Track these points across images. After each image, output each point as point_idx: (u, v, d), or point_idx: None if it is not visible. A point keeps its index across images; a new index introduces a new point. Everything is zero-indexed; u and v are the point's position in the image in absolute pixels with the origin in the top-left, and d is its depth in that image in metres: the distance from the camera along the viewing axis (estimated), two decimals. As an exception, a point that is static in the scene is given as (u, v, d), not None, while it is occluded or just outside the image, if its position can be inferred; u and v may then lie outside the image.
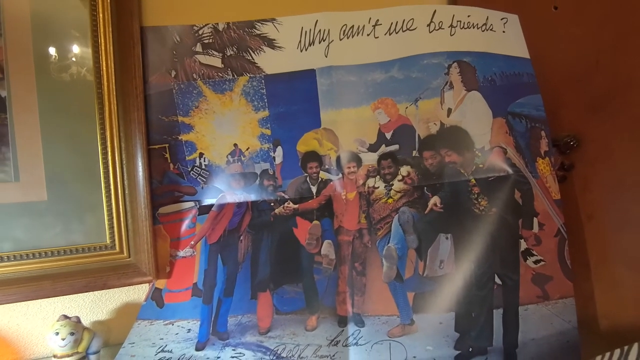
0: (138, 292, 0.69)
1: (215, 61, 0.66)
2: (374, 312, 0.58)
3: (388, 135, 0.64)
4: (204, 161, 0.67)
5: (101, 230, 0.63)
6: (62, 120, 0.61)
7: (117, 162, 0.63)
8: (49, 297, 0.60)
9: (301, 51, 0.66)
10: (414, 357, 0.55)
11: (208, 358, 0.57)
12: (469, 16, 0.67)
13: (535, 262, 0.59)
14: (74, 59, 0.61)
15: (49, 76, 0.60)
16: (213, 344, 0.58)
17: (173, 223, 0.68)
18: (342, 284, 0.59)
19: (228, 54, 0.66)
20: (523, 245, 0.59)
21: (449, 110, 0.63)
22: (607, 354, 0.48)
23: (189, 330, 0.60)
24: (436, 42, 0.65)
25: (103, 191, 0.63)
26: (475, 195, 0.60)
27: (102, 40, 0.62)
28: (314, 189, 0.65)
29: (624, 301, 0.63)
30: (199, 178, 0.67)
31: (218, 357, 0.57)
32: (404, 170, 0.63)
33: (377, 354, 0.55)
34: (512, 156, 0.61)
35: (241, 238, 0.64)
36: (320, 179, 0.65)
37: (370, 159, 0.64)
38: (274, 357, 0.56)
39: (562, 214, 0.62)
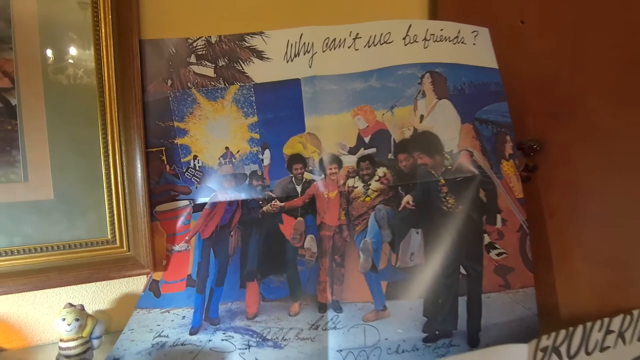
0: (137, 284, 0.74)
1: (208, 71, 0.72)
2: (351, 299, 0.64)
3: (366, 140, 0.70)
4: (198, 163, 0.73)
5: (103, 226, 0.68)
6: (67, 126, 0.66)
7: (117, 164, 0.69)
8: (55, 287, 0.66)
9: (287, 62, 0.72)
10: (386, 339, 0.61)
11: (201, 341, 0.62)
12: (441, 30, 0.73)
13: (498, 254, 0.65)
14: (79, 72, 0.67)
15: (55, 86, 0.65)
16: (205, 329, 0.64)
17: (169, 220, 0.73)
18: (322, 275, 0.65)
19: (220, 65, 0.72)
20: (486, 239, 0.65)
21: (422, 117, 0.69)
22: (553, 334, 0.53)
23: (184, 317, 0.66)
24: (411, 54, 0.71)
25: (105, 191, 0.68)
26: (444, 194, 0.66)
27: (104, 53, 0.67)
28: (298, 189, 0.71)
29: (581, 291, 0.70)
30: (193, 178, 0.73)
31: (210, 340, 0.62)
32: (381, 171, 0.69)
33: (353, 337, 0.61)
34: (478, 159, 0.67)
35: (232, 233, 0.69)
36: (304, 179, 0.71)
37: (350, 161, 0.70)
38: (260, 339, 0.61)
39: (524, 212, 0.68)
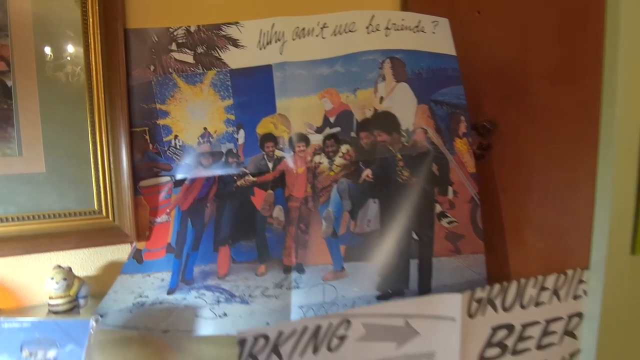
0: (122, 252, 0.81)
1: (188, 58, 0.79)
2: (313, 262, 0.70)
3: (332, 120, 0.76)
4: (179, 142, 0.79)
5: (90, 198, 0.75)
6: (58, 107, 0.73)
7: (103, 142, 0.75)
8: (46, 252, 0.73)
9: (260, 49, 0.78)
10: (343, 296, 0.67)
11: (177, 300, 0.69)
12: (403, 20, 0.79)
13: (449, 222, 0.71)
14: (68, 57, 0.74)
15: (47, 70, 0.72)
16: (181, 289, 0.70)
17: (152, 195, 0.80)
18: (289, 241, 0.71)
19: (199, 52, 0.79)
20: (438, 208, 0.71)
21: (381, 99, 0.75)
22: (488, 287, 0.59)
23: (163, 279, 0.72)
24: (373, 42, 0.77)
25: (92, 166, 0.75)
26: (400, 168, 0.72)
27: (92, 41, 0.74)
28: (270, 165, 0.77)
29: (529, 258, 0.75)
30: (174, 156, 0.79)
31: (184, 299, 0.69)
32: (344, 148, 0.75)
33: (313, 295, 0.67)
34: (432, 136, 0.73)
35: (208, 205, 0.76)
36: (275, 156, 0.77)
37: (317, 139, 0.76)
38: (229, 296, 0.68)
39: (476, 185, 0.74)
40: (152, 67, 0.78)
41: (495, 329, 0.60)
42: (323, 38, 0.78)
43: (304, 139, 0.76)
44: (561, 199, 0.70)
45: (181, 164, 0.79)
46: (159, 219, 0.79)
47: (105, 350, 0.62)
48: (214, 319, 0.65)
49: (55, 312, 0.67)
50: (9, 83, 0.70)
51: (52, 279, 0.67)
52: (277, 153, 0.77)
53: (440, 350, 0.57)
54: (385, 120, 0.74)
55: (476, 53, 0.83)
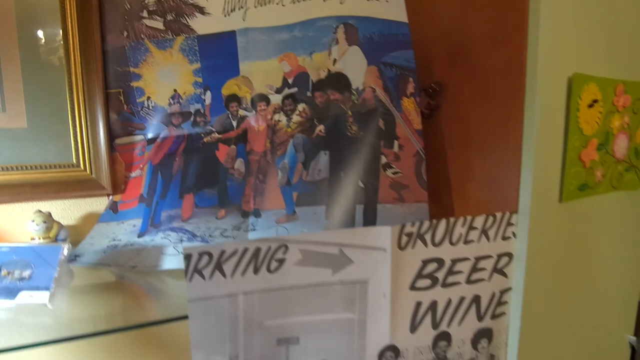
0: (99, 205, 0.88)
1: (158, 24, 0.85)
2: (268, 207, 0.77)
3: (290, 81, 0.83)
4: (151, 103, 0.86)
5: (69, 152, 0.82)
6: (38, 69, 0.80)
7: (80, 101, 0.82)
8: (29, 200, 0.80)
9: (225, 16, 0.84)
10: (293, 236, 0.74)
11: (145, 241, 0.76)
12: (357, -12, 0.85)
13: (394, 173, 0.78)
14: (47, 22, 0.80)
15: (27, 34, 0.79)
16: (150, 232, 0.77)
17: (127, 152, 0.87)
18: (248, 189, 0.78)
19: (168, 19, 0.85)
20: (384, 159, 0.78)
21: (334, 61, 0.82)
22: (417, 223, 0.66)
23: (134, 225, 0.79)
24: (328, 9, 0.83)
25: (70, 123, 0.82)
26: (350, 124, 0.78)
27: (68, 7, 0.80)
28: (234, 123, 0.84)
29: (472, 208, 0.82)
30: (147, 116, 0.86)
31: (152, 240, 0.76)
32: (301, 106, 0.81)
33: (267, 236, 0.74)
34: (379, 94, 0.80)
35: (177, 159, 0.83)
36: (239, 115, 0.84)
37: (276, 99, 0.83)
38: (191, 236, 0.75)
39: (421, 141, 0.81)
40: (125, 33, 0.84)
41: (425, 262, 0.67)
42: (283, 5, 0.84)
43: (265, 99, 0.83)
44: (495, 152, 0.77)
45: (153, 123, 0.86)
46: (133, 174, 0.86)
47: (81, 281, 0.70)
48: (177, 256, 0.72)
49: (36, 251, 0.74)
50: (-8, 46, 0.77)
51: (33, 221, 0.74)
52: (241, 112, 0.84)
53: (373, 278, 0.64)
54: (337, 81, 0.81)
55: (427, 20, 0.89)
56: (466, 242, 0.70)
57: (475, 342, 0.72)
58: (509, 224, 0.72)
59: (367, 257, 0.63)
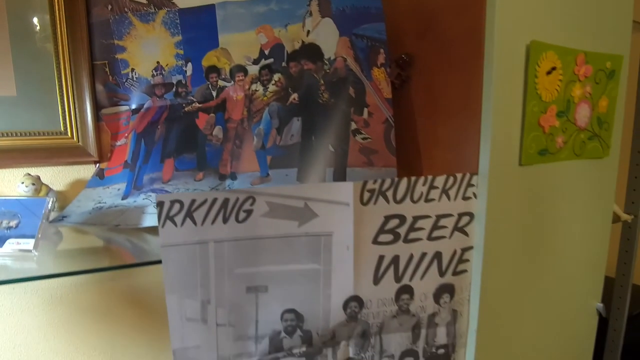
0: (86, 172, 0.92)
1: (141, -2, 0.89)
2: (244, 170, 0.81)
3: (266, 52, 0.87)
4: (135, 75, 0.90)
5: (56, 120, 0.87)
6: (26, 39, 0.84)
7: (67, 72, 0.86)
8: (20, 165, 0.85)
9: (204, -10, 0.88)
10: (266, 196, 0.79)
11: (128, 202, 0.81)
12: (331, -36, 0.89)
13: (363, 138, 0.82)
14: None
15: (15, 5, 0.83)
16: (133, 194, 0.82)
17: (113, 122, 0.91)
18: (225, 154, 0.83)
19: (151, -7, 0.89)
20: (353, 125, 0.82)
21: (308, 32, 0.86)
22: (379, 180, 0.70)
23: (119, 189, 0.84)
24: (303, -18, 0.87)
25: (57, 92, 0.86)
26: (321, 91, 0.83)
27: (54, -20, 0.84)
28: (214, 93, 0.88)
29: (438, 172, 0.86)
30: (132, 87, 0.91)
31: (135, 201, 0.80)
32: (276, 76, 0.85)
33: (242, 196, 0.79)
34: (350, 64, 0.84)
35: (159, 127, 0.87)
36: (218, 86, 0.88)
37: (253, 70, 0.87)
38: (170, 196, 0.79)
39: (391, 108, 0.85)
40: (109, 7, 0.88)
41: (387, 218, 0.71)
42: (260, -20, 0.88)
43: (243, 69, 0.87)
44: (458, 118, 0.81)
45: (137, 94, 0.90)
46: (118, 142, 0.91)
47: (66, 238, 0.75)
48: (156, 214, 0.77)
49: (26, 211, 0.79)
50: (-18, 17, 0.81)
51: (22, 183, 0.79)
52: (220, 83, 0.88)
53: (337, 231, 0.68)
54: (310, 51, 0.85)
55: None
56: (427, 200, 0.74)
57: (437, 297, 0.77)
58: (470, 184, 0.76)
59: (331, 211, 0.67)
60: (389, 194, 0.71)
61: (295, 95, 0.83)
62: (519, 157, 0.79)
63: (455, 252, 0.77)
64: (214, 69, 0.88)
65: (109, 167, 0.89)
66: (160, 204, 0.57)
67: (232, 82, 0.87)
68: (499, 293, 0.81)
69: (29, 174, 0.81)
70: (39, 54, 0.84)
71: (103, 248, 0.73)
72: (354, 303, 0.72)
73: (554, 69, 0.79)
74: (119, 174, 0.86)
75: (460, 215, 0.77)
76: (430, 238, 0.75)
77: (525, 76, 0.76)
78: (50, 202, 0.65)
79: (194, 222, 0.61)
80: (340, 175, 0.78)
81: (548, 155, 0.82)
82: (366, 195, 0.69)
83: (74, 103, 0.87)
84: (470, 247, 0.78)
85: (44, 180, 0.87)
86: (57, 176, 0.91)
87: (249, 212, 0.64)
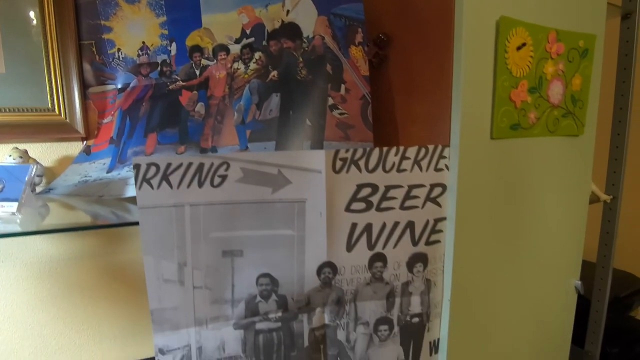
0: (74, 149, 0.95)
1: (127, -20, 0.92)
2: (224, 144, 0.84)
3: (248, 32, 0.90)
4: (121, 54, 0.93)
5: (44, 97, 0.89)
6: (15, 21, 0.87)
7: (55, 51, 0.89)
8: (8, 140, 0.87)
9: (188, -28, 0.91)
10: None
11: (113, 175, 0.83)
12: (312, -53, 0.91)
13: (340, 114, 0.84)
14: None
15: (5, -13, 0.86)
16: (117, 167, 0.85)
17: (99, 100, 0.94)
18: (207, 129, 0.85)
19: (136, -25, 0.92)
20: (330, 101, 0.85)
21: (287, 12, 0.88)
22: (351, 150, 0.72)
23: (104, 163, 0.87)
24: (283, -36, 0.90)
25: (45, 70, 0.89)
26: (300, 68, 0.85)
27: (42, -38, 0.87)
28: (197, 72, 0.91)
29: (413, 145, 0.89)
30: (118, 67, 0.93)
31: (119, 174, 0.83)
32: (257, 55, 0.88)
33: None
34: (328, 42, 0.86)
35: (143, 104, 0.90)
36: (201, 65, 0.91)
37: (235, 49, 0.90)
38: (151, 168, 0.82)
39: (368, 85, 0.87)
40: (96, -12, 0.91)
41: (360, 186, 0.74)
42: (242, -38, 0.91)
43: (225, 49, 0.90)
44: (432, 94, 0.83)
45: (124, 73, 0.93)
46: (105, 120, 0.93)
47: (51, 206, 0.77)
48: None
49: (13, 183, 0.82)
50: (-28, -4, 0.84)
51: (10, 156, 0.82)
52: (203, 62, 0.90)
53: (310, 198, 0.71)
54: (290, 30, 0.87)
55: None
56: (399, 170, 0.76)
57: (410, 266, 0.79)
58: (442, 156, 0.79)
59: (304, 178, 0.70)
60: (361, 163, 0.73)
61: (274, 73, 0.86)
62: (490, 131, 0.81)
63: (427, 222, 0.79)
64: (197, 49, 0.90)
65: (95, 144, 0.92)
66: (137, 166, 0.60)
67: (215, 61, 0.90)
68: (472, 265, 0.83)
69: (17, 148, 0.84)
70: (27, 33, 0.87)
71: (88, 217, 0.75)
72: (328, 269, 0.74)
73: (524, 44, 0.81)
74: (105, 149, 0.89)
75: (433, 186, 0.79)
76: (402, 207, 0.77)
77: (495, 51, 0.78)
78: (35, 169, 0.67)
79: (170, 185, 0.63)
80: (317, 147, 0.81)
81: (520, 130, 0.84)
82: (338, 163, 0.72)
83: (62, 81, 0.90)
84: (443, 218, 0.81)
85: (31, 155, 0.90)
86: (45, 152, 0.94)
87: (223, 178, 0.66)
